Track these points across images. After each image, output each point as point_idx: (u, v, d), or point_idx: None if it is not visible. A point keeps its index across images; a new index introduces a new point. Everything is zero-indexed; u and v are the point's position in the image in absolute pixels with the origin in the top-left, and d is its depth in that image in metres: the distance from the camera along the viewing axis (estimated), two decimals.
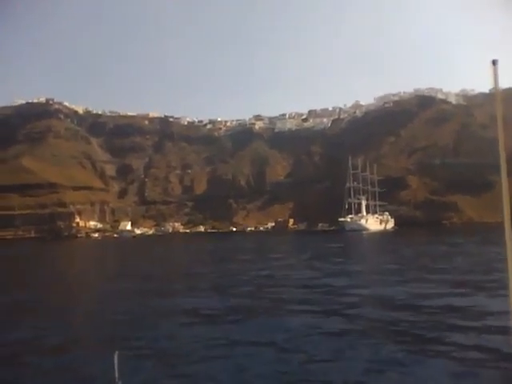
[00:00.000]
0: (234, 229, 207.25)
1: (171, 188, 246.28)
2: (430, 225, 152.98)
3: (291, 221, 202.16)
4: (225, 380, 12.14)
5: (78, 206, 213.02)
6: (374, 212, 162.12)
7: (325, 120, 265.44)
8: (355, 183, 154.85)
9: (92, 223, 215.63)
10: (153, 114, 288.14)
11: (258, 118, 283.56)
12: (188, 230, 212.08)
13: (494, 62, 4.11)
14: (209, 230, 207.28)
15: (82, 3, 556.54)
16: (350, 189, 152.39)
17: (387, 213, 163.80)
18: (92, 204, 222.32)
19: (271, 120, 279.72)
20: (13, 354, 15.21)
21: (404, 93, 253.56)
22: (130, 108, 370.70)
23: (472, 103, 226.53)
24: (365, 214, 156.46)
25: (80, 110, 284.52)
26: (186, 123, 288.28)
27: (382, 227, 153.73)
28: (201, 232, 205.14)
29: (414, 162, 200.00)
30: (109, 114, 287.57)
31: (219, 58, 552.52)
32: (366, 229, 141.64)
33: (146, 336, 16.93)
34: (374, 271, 37.32)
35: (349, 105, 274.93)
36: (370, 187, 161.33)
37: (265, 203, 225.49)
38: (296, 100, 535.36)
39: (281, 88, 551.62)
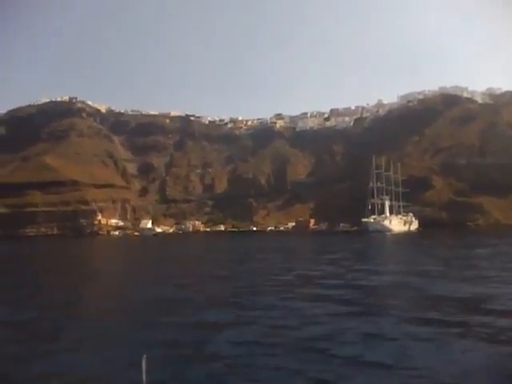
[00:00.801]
0: (255, 228, 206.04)
1: (192, 186, 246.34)
2: (455, 226, 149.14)
3: (312, 221, 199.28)
4: None
5: (100, 204, 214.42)
6: (398, 213, 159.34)
7: (347, 119, 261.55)
8: (378, 183, 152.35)
9: (113, 221, 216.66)
10: (174, 112, 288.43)
11: (279, 116, 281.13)
12: (208, 229, 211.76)
13: None
14: (229, 229, 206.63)
15: (108, 2, 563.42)
16: (373, 189, 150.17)
17: (411, 214, 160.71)
18: (113, 202, 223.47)
19: (292, 119, 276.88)
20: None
21: (429, 91, 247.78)
22: (151, 107, 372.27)
23: (499, 102, 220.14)
24: (388, 214, 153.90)
25: (103, 109, 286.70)
26: (207, 122, 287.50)
27: (405, 228, 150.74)
28: (221, 231, 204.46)
29: (438, 161, 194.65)
30: (131, 112, 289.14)
31: (241, 58, 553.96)
32: (389, 230, 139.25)
33: None
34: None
35: (372, 104, 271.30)
36: (393, 187, 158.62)
37: (285, 202, 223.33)
38: (318, 99, 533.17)
39: (302, 87, 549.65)
